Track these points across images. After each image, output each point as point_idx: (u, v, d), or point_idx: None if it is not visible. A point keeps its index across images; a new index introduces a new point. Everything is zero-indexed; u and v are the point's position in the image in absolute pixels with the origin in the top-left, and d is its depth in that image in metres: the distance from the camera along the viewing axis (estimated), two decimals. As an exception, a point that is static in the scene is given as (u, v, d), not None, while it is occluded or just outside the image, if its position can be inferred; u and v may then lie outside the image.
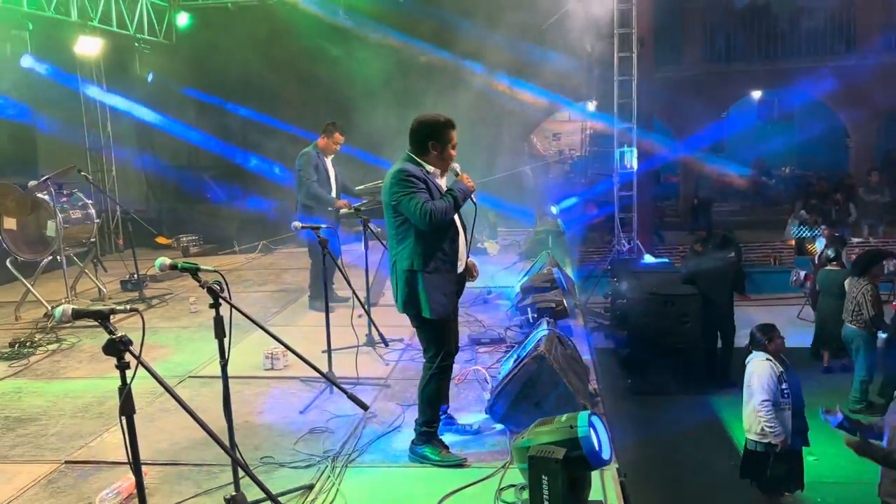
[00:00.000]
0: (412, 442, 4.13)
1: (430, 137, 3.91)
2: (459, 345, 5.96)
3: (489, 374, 5.27)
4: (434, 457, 4.02)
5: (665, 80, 14.90)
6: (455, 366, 5.53)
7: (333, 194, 7.20)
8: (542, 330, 4.71)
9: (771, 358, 5.82)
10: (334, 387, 5.09)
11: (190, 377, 5.60)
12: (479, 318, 6.84)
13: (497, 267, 9.15)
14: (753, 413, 5.84)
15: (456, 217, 4.00)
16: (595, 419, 3.18)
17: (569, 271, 8.23)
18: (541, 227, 10.19)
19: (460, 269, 4.05)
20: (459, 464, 4.00)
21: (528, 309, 5.94)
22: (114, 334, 2.61)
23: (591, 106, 15.22)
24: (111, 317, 2.67)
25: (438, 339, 4.03)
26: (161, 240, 11.67)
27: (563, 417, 3.23)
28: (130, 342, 2.62)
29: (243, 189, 12.45)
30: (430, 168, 3.93)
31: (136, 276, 8.49)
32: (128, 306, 2.79)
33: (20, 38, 8.88)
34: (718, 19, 17.50)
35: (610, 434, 3.33)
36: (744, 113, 20.05)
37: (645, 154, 11.60)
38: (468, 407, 4.85)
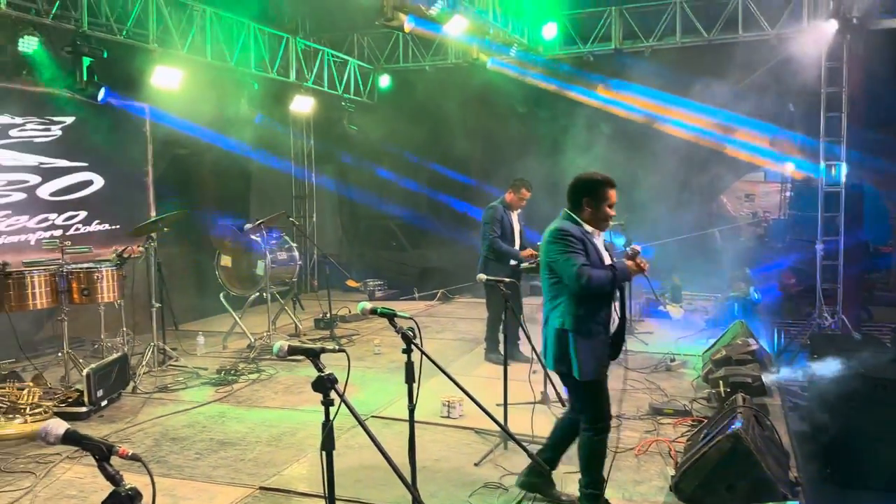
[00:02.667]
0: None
1: (585, 194, 3.92)
2: (640, 413, 5.79)
3: (673, 448, 4.97)
4: None
5: (878, 144, 13.59)
6: (634, 435, 5.34)
7: (518, 249, 7.27)
8: (738, 406, 4.37)
9: None
10: (508, 442, 5.09)
11: (372, 416, 5.81)
12: (662, 386, 6.50)
13: (681, 332, 8.70)
14: None
15: None
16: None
17: (763, 344, 7.62)
18: (731, 292, 9.58)
19: (612, 329, 3.95)
20: None
21: (720, 382, 5.55)
22: (322, 372, 2.78)
23: (790, 168, 14.21)
24: (321, 355, 2.84)
25: (594, 401, 3.94)
26: (351, 283, 12.40)
27: (765, 506, 2.95)
28: (336, 380, 2.77)
29: (427, 239, 12.97)
30: (588, 227, 3.91)
31: (328, 315, 9.06)
32: (336, 346, 2.96)
33: (250, 97, 10.00)
34: (945, 75, 15.74)
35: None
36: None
37: (854, 223, 10.60)
38: (649, 481, 4.59)
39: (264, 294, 8.23)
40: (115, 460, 2.04)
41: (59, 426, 2.01)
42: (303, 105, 11.35)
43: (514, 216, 7.38)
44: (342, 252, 13.52)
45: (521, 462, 4.81)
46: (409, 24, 7.67)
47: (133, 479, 2.09)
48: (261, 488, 4.49)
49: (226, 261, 8.41)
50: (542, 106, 11.20)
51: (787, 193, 15.51)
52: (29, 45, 6.95)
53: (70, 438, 2.01)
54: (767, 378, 5.72)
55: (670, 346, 7.90)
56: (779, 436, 4.72)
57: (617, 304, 3.95)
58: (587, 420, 3.95)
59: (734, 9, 10.39)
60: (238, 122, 10.31)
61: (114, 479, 1.98)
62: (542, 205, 10.36)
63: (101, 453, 2.00)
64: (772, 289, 10.80)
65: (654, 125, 10.73)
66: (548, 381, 5.83)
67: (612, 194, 3.91)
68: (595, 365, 3.82)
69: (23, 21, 6.96)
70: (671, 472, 4.46)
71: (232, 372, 7.03)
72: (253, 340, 7.94)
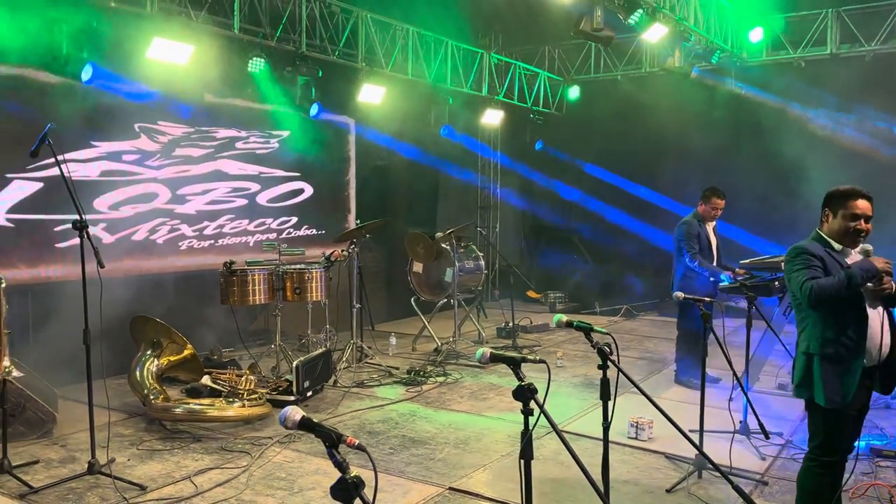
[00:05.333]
0: None
1: (825, 206, 3.65)
2: (856, 453, 5.23)
3: (895, 494, 4.45)
4: None
5: None
6: (846, 475, 4.83)
7: (715, 265, 6.90)
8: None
9: None
10: (702, 471, 4.82)
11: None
12: (880, 424, 5.84)
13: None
14: None
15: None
16: None
17: None
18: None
19: (872, 359, 3.54)
20: None
21: (956, 426, 4.89)
22: (523, 381, 2.81)
23: None
24: (522, 365, 2.88)
25: (828, 430, 3.61)
26: (531, 293, 12.45)
27: None
28: (537, 390, 2.79)
29: (610, 253, 12.67)
30: (837, 246, 3.60)
31: (510, 324, 9.15)
32: (537, 357, 2.98)
33: (442, 111, 10.43)
34: None
35: None
36: None
37: None
38: (866, 528, 4.15)
39: (451, 300, 8.51)
40: (342, 448, 2.18)
41: (296, 413, 2.19)
42: (492, 118, 11.61)
43: (710, 229, 7.01)
44: (523, 262, 13.60)
45: (717, 493, 4.57)
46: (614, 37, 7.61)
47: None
48: (450, 489, 4.63)
49: (417, 267, 8.81)
50: (744, 115, 10.56)
51: None
52: (256, 65, 7.75)
53: (305, 425, 2.18)
54: None
55: (890, 382, 7.08)
56: None
57: (881, 324, 3.53)
58: (813, 447, 3.67)
59: (981, 5, 9.18)
60: (429, 134, 10.76)
61: (341, 466, 2.11)
62: (746, 220, 9.85)
63: (331, 441, 2.14)
64: None
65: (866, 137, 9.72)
66: (752, 411, 5.46)
67: (856, 205, 3.53)
68: (843, 393, 3.50)
69: (252, 44, 7.77)
70: (894, 522, 3.99)
71: (421, 373, 7.33)
72: (440, 344, 8.23)
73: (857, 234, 3.57)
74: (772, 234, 9.77)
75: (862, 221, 3.56)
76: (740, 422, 5.48)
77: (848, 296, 3.44)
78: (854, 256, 3.61)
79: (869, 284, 3.47)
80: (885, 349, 3.56)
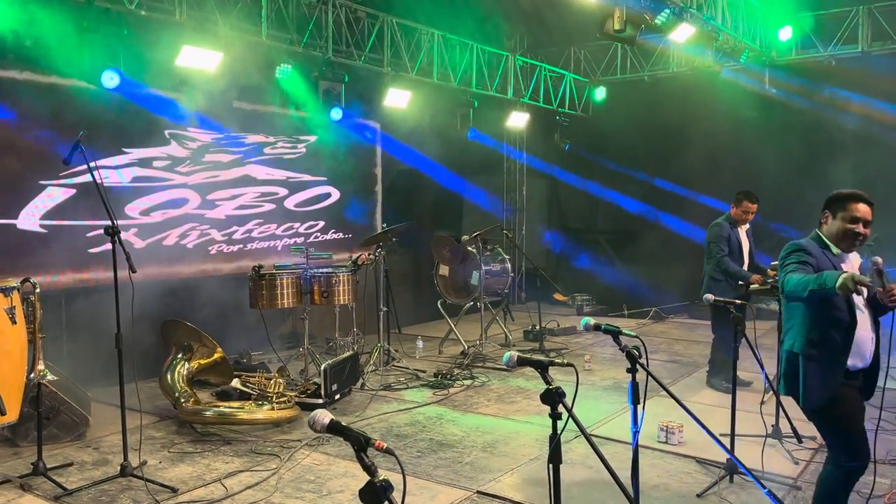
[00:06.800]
0: None
1: (825, 207, 3.63)
2: (890, 457, 5.12)
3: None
4: None
5: None
6: (885, 481, 4.73)
7: (746, 268, 6.82)
8: None
9: None
10: (734, 476, 4.76)
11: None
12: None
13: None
14: None
15: (862, 306, 3.50)
16: None
17: None
18: None
19: (855, 364, 3.50)
20: None
21: None
22: (550, 385, 2.80)
23: None
24: (549, 368, 2.86)
25: (837, 434, 3.57)
26: (558, 296, 12.39)
27: None
28: (564, 394, 2.78)
29: (638, 255, 12.57)
30: (835, 250, 3.58)
31: (537, 327, 9.12)
32: (564, 360, 2.96)
33: (467, 115, 10.42)
34: None
35: None
36: None
37: None
38: (904, 536, 4.05)
39: (477, 303, 8.51)
40: (370, 452, 2.19)
41: (325, 416, 2.20)
42: (518, 120, 11.59)
43: (743, 233, 6.94)
44: (549, 264, 13.54)
45: (748, 498, 4.51)
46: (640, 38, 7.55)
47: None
48: (478, 492, 4.62)
49: (444, 270, 8.83)
50: (774, 114, 10.42)
51: None
52: (284, 71, 7.83)
53: (333, 428, 2.19)
54: None
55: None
56: None
57: (868, 332, 3.52)
58: (831, 455, 3.63)
59: None
60: (455, 137, 10.76)
61: (370, 469, 2.12)
62: (777, 220, 9.71)
63: (360, 444, 2.15)
64: None
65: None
66: (780, 413, 5.38)
67: (856, 208, 3.51)
68: (823, 393, 3.49)
69: (280, 50, 7.86)
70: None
71: (448, 376, 7.33)
72: (466, 347, 8.23)
73: (854, 238, 3.54)
74: (805, 227, 9.64)
75: (860, 225, 3.52)
76: (772, 425, 5.40)
77: (813, 297, 3.29)
78: (851, 260, 3.60)
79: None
80: (871, 354, 3.55)
